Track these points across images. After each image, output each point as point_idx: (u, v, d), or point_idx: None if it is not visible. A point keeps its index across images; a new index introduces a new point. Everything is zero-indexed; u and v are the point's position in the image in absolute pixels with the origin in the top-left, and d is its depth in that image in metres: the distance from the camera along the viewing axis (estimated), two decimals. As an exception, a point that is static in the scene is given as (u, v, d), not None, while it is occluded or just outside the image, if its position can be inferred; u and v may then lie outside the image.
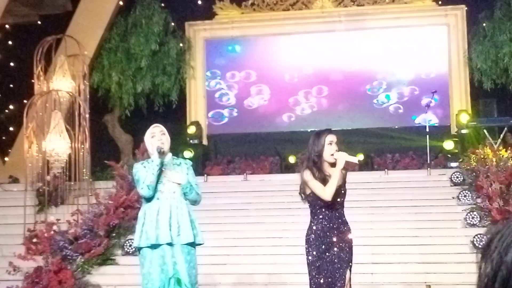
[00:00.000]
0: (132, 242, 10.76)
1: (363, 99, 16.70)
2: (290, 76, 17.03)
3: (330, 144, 6.13)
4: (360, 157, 14.41)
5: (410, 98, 16.50)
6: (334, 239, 6.09)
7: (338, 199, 6.12)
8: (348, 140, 15.12)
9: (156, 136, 6.21)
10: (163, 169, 6.14)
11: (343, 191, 6.18)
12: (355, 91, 16.72)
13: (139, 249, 6.16)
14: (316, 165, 6.10)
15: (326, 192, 5.98)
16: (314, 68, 16.96)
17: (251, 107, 17.10)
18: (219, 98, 17.17)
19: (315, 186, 6.04)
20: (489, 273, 1.26)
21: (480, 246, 9.82)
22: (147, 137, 6.27)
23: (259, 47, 17.38)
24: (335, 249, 6.09)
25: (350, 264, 6.18)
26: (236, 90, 17.18)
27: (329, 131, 6.28)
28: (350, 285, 6.20)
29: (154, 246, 6.02)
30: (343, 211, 6.24)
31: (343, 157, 6.04)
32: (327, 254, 6.07)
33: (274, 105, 17.04)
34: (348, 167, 6.51)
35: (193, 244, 6.14)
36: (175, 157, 6.45)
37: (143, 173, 6.10)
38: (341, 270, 6.07)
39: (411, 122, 16.11)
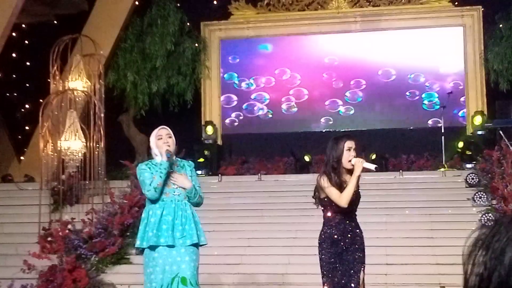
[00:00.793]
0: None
1: (379, 100, 16.65)
2: (305, 76, 17.00)
3: (349, 150, 6.07)
4: (373, 157, 14.45)
5: (424, 99, 16.44)
6: (348, 242, 6.07)
7: (354, 205, 6.11)
8: (363, 141, 15.20)
9: (163, 139, 6.21)
10: (168, 171, 6.17)
11: (357, 196, 6.16)
12: (371, 92, 16.68)
13: (142, 249, 6.17)
14: (335, 171, 6.06)
15: (343, 199, 5.95)
16: (330, 69, 16.93)
17: (268, 107, 17.10)
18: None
19: (332, 192, 6.00)
20: (482, 274, 1.24)
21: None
22: (153, 138, 6.28)
23: (274, 46, 17.36)
24: (349, 252, 6.07)
25: (363, 264, 6.16)
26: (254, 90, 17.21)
27: (348, 136, 6.22)
28: (364, 285, 6.18)
29: (155, 247, 6.04)
30: (355, 214, 6.22)
31: (360, 164, 5.99)
32: (341, 257, 6.06)
33: (286, 105, 17.02)
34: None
35: (197, 245, 6.16)
36: (178, 159, 6.44)
37: (148, 174, 6.11)
38: (355, 271, 6.05)
39: (426, 123, 16.02)
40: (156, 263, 6.00)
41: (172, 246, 6.00)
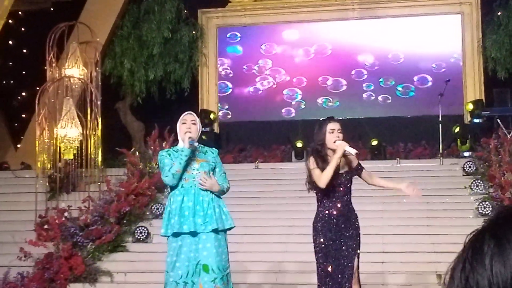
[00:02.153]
0: (143, 229, 10.86)
1: (374, 89, 16.62)
2: (303, 64, 16.96)
3: (332, 132, 6.13)
4: (374, 143, 14.48)
5: (423, 87, 16.41)
6: (342, 226, 6.09)
7: (342, 186, 6.11)
8: (361, 129, 15.19)
9: (187, 124, 6.16)
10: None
11: (348, 178, 6.17)
12: (367, 80, 16.65)
13: (167, 236, 6.15)
14: (320, 154, 6.10)
15: (321, 179, 5.99)
16: (326, 56, 16.89)
17: (263, 94, 17.06)
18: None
19: (315, 173, 6.07)
20: (482, 285, 1.21)
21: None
22: (179, 123, 6.24)
23: (270, 35, 17.30)
24: (343, 236, 6.08)
25: (358, 251, 6.16)
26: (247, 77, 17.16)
27: (330, 119, 6.30)
28: (358, 273, 6.18)
29: (179, 234, 5.99)
30: (350, 199, 6.22)
31: (342, 147, 6.04)
32: (335, 241, 6.06)
33: (286, 93, 16.98)
34: (358, 156, 6.49)
35: (220, 231, 6.09)
36: (202, 145, 6.37)
37: (167, 160, 6.06)
38: (349, 257, 6.05)
39: (423, 111, 15.97)
40: (181, 251, 5.97)
41: (195, 233, 5.95)
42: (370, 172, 6.47)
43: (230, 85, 17.18)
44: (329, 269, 6.04)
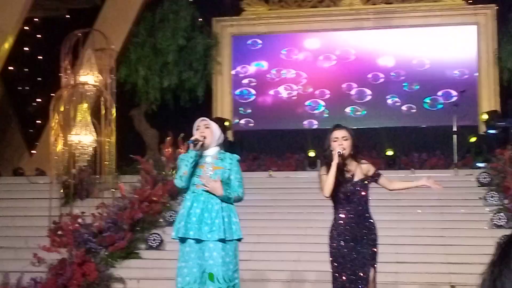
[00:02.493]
0: (156, 236, 10.85)
1: (399, 97, 16.60)
2: (318, 73, 16.95)
3: (336, 140, 6.12)
4: (389, 153, 14.44)
5: (437, 97, 16.36)
6: (356, 235, 6.03)
7: (355, 195, 6.06)
8: (377, 139, 15.14)
9: (200, 129, 6.15)
10: (204, 163, 6.06)
11: (362, 186, 6.10)
12: (383, 90, 16.62)
13: (178, 240, 6.11)
14: (327, 162, 6.08)
15: (324, 188, 6.01)
16: (341, 66, 16.88)
17: (278, 103, 17.07)
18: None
19: (322, 180, 6.09)
20: None
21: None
22: (194, 129, 6.22)
23: (285, 43, 17.31)
24: (357, 246, 6.02)
25: (375, 263, 6.09)
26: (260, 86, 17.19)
27: (335, 127, 6.27)
28: (375, 285, 6.09)
29: (187, 240, 5.95)
30: (366, 207, 6.16)
31: (336, 155, 6.03)
32: (349, 250, 6.01)
33: (301, 102, 16.98)
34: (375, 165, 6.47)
35: (227, 240, 6.01)
36: (222, 151, 6.27)
37: (182, 164, 6.08)
38: (364, 268, 5.98)
39: (438, 121, 15.90)
40: (189, 257, 5.92)
41: (200, 240, 5.92)
42: (390, 178, 6.43)
43: (253, 91, 17.17)
44: (344, 278, 6.00)
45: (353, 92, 16.78)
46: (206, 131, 6.13)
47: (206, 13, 16.95)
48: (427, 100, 16.39)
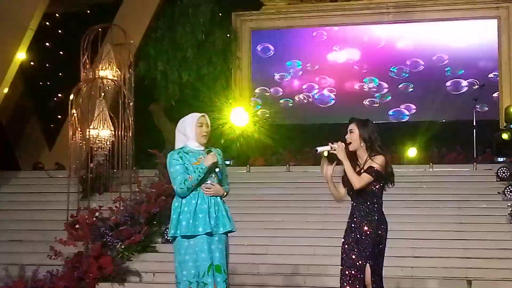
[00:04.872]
0: (172, 230, 10.86)
1: (409, 92, 16.52)
2: (338, 67, 16.90)
3: (346, 134, 6.13)
4: (413, 151, 14.39)
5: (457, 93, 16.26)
6: (352, 230, 5.98)
7: (352, 189, 6.02)
8: (394, 133, 15.04)
9: (203, 127, 6.10)
10: (200, 157, 6.05)
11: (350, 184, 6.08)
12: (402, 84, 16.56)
13: (174, 237, 6.08)
14: (349, 155, 6.07)
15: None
16: (362, 60, 16.82)
17: (299, 98, 17.04)
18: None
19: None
20: None
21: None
22: (194, 124, 6.11)
23: (306, 38, 17.27)
24: (352, 241, 5.96)
25: (368, 259, 5.94)
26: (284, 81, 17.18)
27: (350, 120, 6.25)
28: (372, 281, 5.97)
29: (191, 236, 5.96)
30: (363, 202, 6.02)
31: (333, 146, 6.06)
32: (349, 245, 5.98)
33: (322, 97, 16.94)
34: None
35: (227, 233, 6.08)
36: (208, 146, 6.24)
37: (179, 167, 5.92)
38: (358, 263, 5.89)
39: (458, 115, 15.77)
40: (193, 250, 5.92)
41: (209, 234, 5.93)
42: (362, 175, 6.20)
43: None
44: (346, 272, 5.94)
45: (371, 85, 16.72)
46: (208, 131, 6.13)
47: (225, 7, 16.92)
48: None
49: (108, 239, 10.62)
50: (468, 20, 16.40)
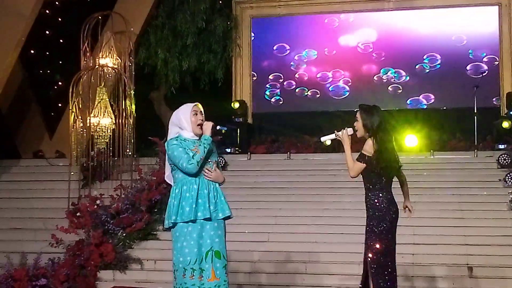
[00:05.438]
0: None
1: (411, 80, 16.48)
2: (337, 54, 16.85)
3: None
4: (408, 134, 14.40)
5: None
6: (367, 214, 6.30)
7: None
8: (395, 120, 15.02)
9: (198, 115, 6.12)
10: (196, 145, 6.07)
11: None
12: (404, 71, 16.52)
13: (173, 224, 6.07)
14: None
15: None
16: (361, 48, 16.77)
17: (298, 86, 17.00)
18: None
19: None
20: None
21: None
22: (189, 113, 6.12)
23: (305, 25, 17.22)
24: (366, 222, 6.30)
25: (367, 245, 6.17)
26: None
27: (359, 106, 6.40)
28: (366, 267, 6.17)
29: (191, 221, 5.97)
30: (368, 188, 6.33)
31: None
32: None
33: (321, 85, 16.91)
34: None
35: (224, 219, 6.11)
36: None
37: (181, 149, 5.97)
38: (366, 244, 6.24)
39: (459, 103, 15.74)
40: (191, 237, 5.92)
41: (208, 220, 5.95)
42: (355, 164, 6.29)
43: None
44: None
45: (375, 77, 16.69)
46: (202, 117, 6.15)
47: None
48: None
49: (109, 227, 10.66)
50: (469, 7, 16.32)
